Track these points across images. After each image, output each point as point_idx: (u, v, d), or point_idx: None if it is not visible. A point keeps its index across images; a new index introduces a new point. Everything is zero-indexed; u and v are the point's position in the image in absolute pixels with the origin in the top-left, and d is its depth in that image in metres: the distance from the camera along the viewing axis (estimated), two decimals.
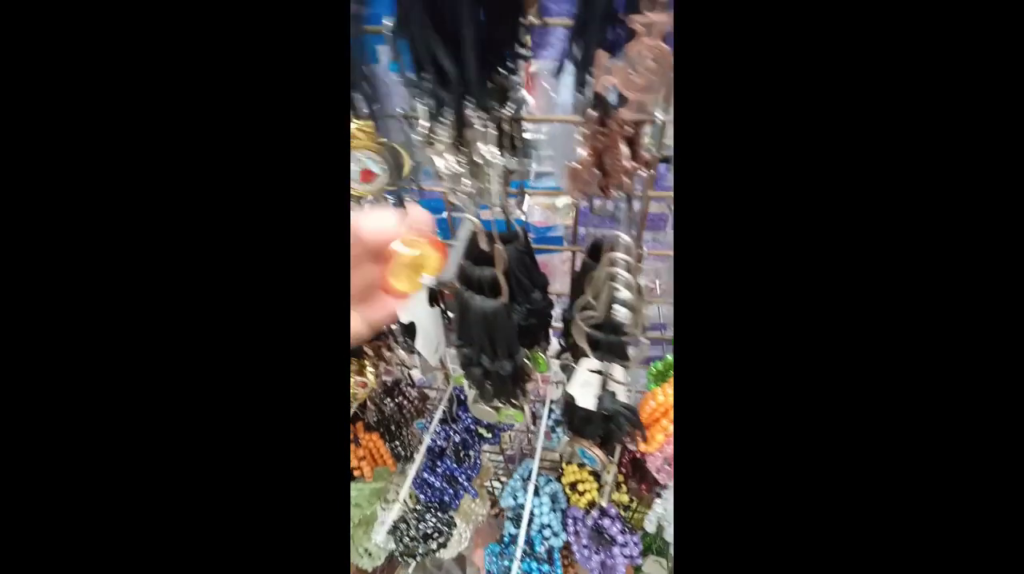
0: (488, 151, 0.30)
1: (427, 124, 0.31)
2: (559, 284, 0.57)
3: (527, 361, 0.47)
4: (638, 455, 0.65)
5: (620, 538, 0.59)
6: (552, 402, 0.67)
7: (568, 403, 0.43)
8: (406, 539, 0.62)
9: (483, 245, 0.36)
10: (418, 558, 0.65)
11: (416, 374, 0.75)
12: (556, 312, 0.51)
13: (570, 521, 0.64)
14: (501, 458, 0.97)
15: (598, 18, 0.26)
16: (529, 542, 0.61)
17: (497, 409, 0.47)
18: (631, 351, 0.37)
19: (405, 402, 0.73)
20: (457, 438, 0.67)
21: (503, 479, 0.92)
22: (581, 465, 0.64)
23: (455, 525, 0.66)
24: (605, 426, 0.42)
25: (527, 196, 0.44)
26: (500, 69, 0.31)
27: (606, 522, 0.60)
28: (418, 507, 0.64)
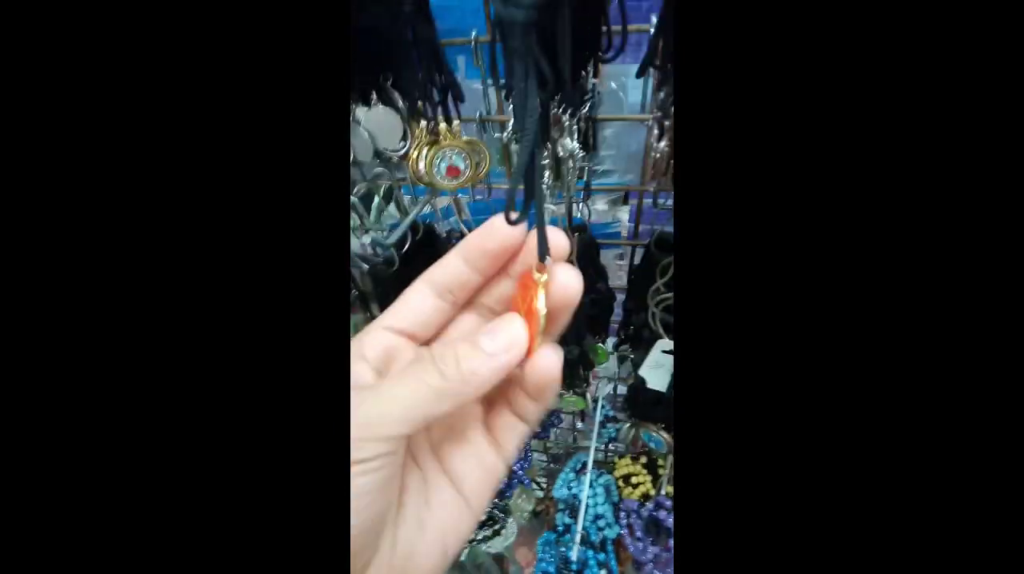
0: (571, 145, 0.33)
1: (514, 123, 0.34)
2: (615, 280, 0.59)
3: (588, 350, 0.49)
4: None
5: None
6: (604, 398, 0.69)
7: (636, 387, 0.45)
8: None
9: None
10: (471, 544, 0.68)
11: None
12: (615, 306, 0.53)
13: (623, 514, 0.65)
14: (545, 458, 0.99)
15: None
16: (585, 532, 0.63)
17: (560, 395, 0.49)
18: None
19: None
20: None
21: (539, 481, 0.93)
22: (635, 458, 0.65)
23: (510, 513, 0.68)
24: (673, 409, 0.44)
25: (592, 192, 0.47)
26: (583, 72, 0.34)
27: (662, 514, 0.61)
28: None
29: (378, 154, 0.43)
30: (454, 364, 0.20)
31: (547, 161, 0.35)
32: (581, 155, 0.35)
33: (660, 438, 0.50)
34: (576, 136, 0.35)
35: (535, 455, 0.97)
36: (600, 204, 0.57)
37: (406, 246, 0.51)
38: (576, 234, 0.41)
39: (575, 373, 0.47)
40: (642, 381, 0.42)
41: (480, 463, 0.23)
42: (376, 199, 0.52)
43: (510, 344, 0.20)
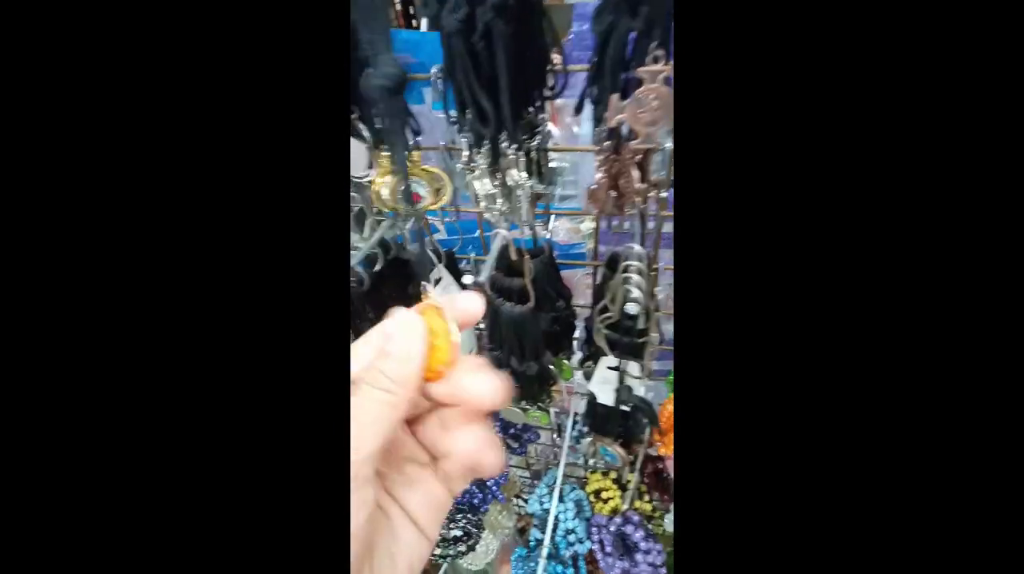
0: (518, 176, 0.36)
1: (467, 154, 0.37)
2: (581, 298, 0.61)
3: (552, 366, 0.51)
4: (660, 467, 0.67)
5: (643, 545, 0.61)
6: (577, 415, 0.70)
7: (591, 402, 0.47)
8: (438, 541, 0.66)
9: (513, 257, 0.41)
10: (448, 561, 0.68)
11: None
12: (578, 323, 0.55)
13: (594, 529, 0.66)
14: (527, 473, 0.99)
15: (612, 67, 0.32)
16: (555, 546, 0.64)
17: (525, 410, 0.51)
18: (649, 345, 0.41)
19: None
20: None
21: (524, 497, 0.94)
22: (605, 473, 0.67)
23: (484, 529, 0.69)
24: (624, 423, 0.46)
25: (552, 217, 0.49)
26: (530, 108, 0.37)
27: (629, 529, 0.62)
28: (449, 509, 0.68)
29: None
30: (381, 377, 0.21)
31: (497, 190, 0.37)
32: (530, 184, 0.37)
33: (615, 453, 0.52)
34: (528, 167, 0.37)
35: (516, 472, 0.98)
36: (566, 225, 0.60)
37: (377, 265, 0.54)
38: (534, 258, 0.44)
39: (536, 388, 0.49)
40: (594, 396, 0.43)
41: (430, 498, 0.25)
42: (369, 217, 0.54)
43: (411, 345, 0.21)
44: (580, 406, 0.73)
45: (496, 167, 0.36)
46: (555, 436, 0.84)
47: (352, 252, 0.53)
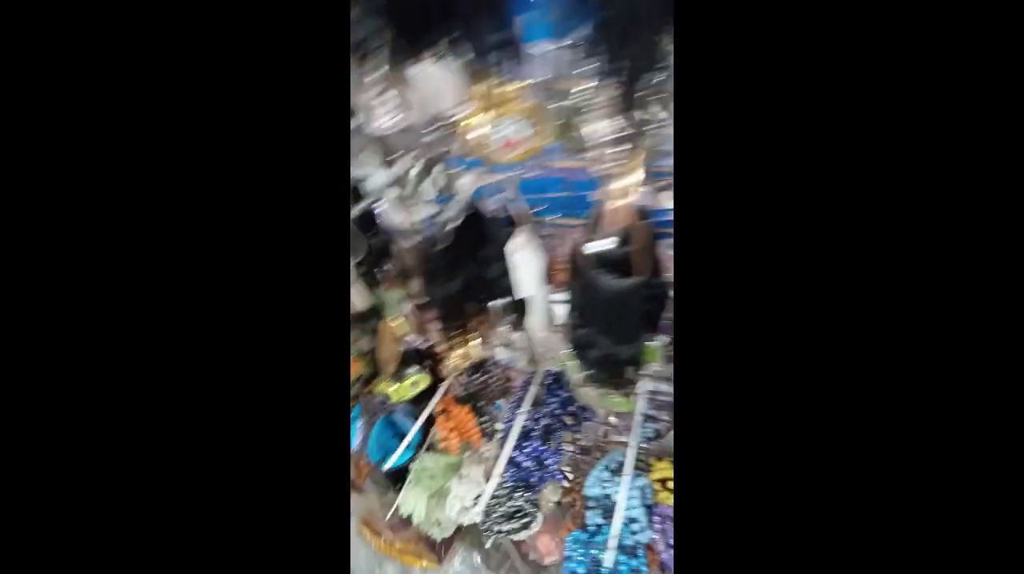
0: (660, 113, 0.29)
1: (591, 87, 0.30)
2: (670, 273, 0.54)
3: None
4: None
5: None
6: (643, 395, 0.65)
7: None
8: (494, 515, 0.63)
9: (621, 221, 0.35)
10: (500, 535, 0.66)
11: (503, 353, 0.75)
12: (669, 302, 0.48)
13: (657, 518, 0.62)
14: (573, 447, 0.96)
15: None
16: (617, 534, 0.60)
17: (604, 395, 0.46)
18: None
19: (491, 381, 0.74)
20: (545, 421, 0.67)
21: (566, 470, 0.91)
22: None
23: (540, 507, 0.66)
24: None
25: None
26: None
27: None
28: (505, 486, 0.65)
29: (433, 119, 0.39)
30: None
31: (623, 131, 0.31)
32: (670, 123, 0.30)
33: None
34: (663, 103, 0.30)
35: (567, 447, 0.94)
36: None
37: (455, 223, 0.48)
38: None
39: (623, 374, 0.43)
40: None
41: None
42: (415, 169, 0.48)
43: None
44: (648, 389, 0.67)
45: (629, 103, 0.29)
46: (611, 417, 0.79)
47: (425, 206, 0.47)
